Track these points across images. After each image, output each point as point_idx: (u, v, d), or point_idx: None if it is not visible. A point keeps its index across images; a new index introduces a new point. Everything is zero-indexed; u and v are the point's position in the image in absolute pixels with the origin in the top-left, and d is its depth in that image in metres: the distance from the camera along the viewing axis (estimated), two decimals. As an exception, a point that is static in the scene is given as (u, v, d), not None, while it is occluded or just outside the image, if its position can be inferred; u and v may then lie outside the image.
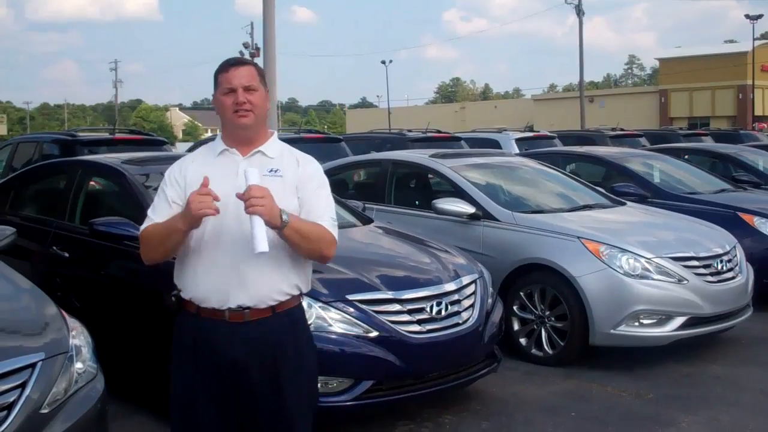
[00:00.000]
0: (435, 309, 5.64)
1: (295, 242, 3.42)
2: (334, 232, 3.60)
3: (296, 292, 3.58)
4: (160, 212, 3.54)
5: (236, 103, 3.48)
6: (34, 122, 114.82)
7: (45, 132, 22.39)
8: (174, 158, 8.24)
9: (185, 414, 3.57)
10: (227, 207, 3.35)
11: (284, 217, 3.33)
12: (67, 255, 6.64)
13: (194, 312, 3.51)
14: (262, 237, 3.26)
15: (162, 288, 5.83)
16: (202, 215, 3.26)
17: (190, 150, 18.45)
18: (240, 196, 3.27)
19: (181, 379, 3.57)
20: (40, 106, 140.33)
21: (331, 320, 5.24)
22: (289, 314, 3.55)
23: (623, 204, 8.97)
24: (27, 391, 3.52)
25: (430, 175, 9.36)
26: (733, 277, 7.63)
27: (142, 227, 3.60)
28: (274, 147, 3.62)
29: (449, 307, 5.73)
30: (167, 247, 3.47)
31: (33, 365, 3.61)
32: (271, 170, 3.52)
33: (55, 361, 3.73)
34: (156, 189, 6.32)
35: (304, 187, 3.56)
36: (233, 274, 3.43)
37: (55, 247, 6.73)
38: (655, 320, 7.07)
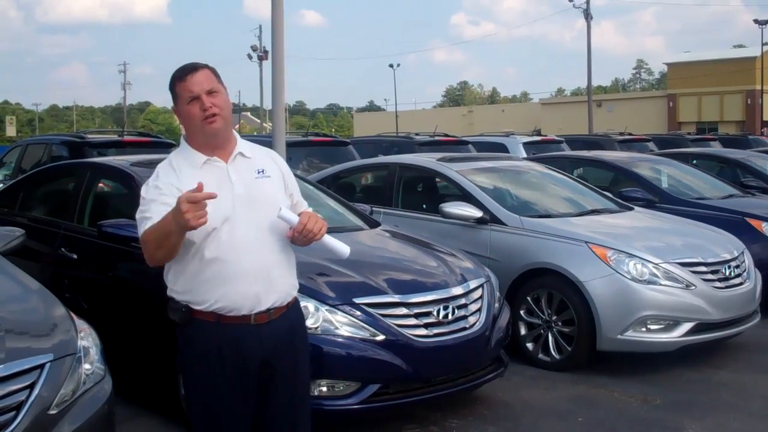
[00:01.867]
0: (442, 313, 5.64)
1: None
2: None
3: (298, 284, 3.79)
4: (155, 213, 3.41)
5: (203, 109, 3.45)
6: (43, 124, 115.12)
7: (54, 134, 22.45)
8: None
9: (211, 423, 3.60)
10: (235, 215, 3.46)
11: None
12: (75, 257, 6.66)
13: (213, 321, 3.51)
14: (340, 243, 3.59)
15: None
16: (198, 226, 3.17)
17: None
18: (295, 235, 3.48)
19: (207, 392, 3.58)
20: (49, 108, 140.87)
21: (338, 323, 5.25)
22: (296, 307, 3.76)
23: (631, 209, 8.97)
24: (35, 392, 3.53)
25: (437, 179, 9.36)
26: (740, 283, 7.61)
27: (141, 231, 3.51)
28: (246, 146, 3.67)
29: (456, 311, 5.72)
30: (168, 248, 3.39)
31: (41, 366, 3.62)
32: (259, 171, 3.61)
33: (63, 362, 3.74)
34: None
35: (290, 183, 3.75)
36: (263, 279, 3.51)
37: (63, 249, 6.75)
38: (662, 326, 7.06)
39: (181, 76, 3.51)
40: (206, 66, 3.60)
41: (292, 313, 3.70)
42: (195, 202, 3.13)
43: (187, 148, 3.60)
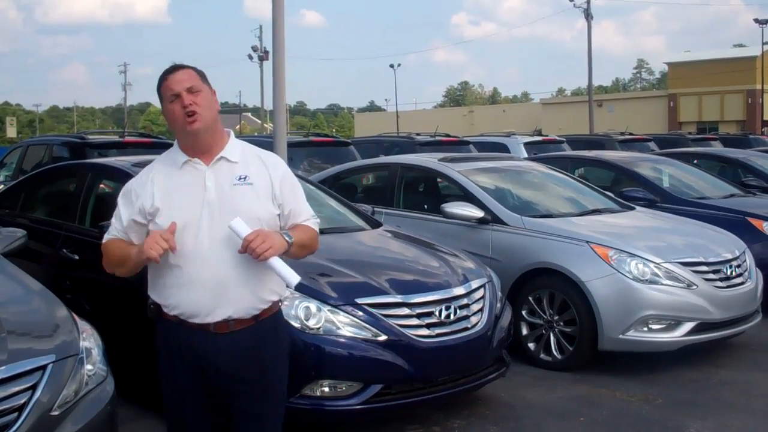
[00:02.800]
0: (444, 313, 5.64)
1: (296, 254, 3.56)
2: (317, 227, 3.72)
3: (276, 299, 3.62)
4: (117, 229, 3.62)
5: (183, 106, 3.42)
6: (44, 125, 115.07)
7: (54, 135, 22.45)
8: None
9: (177, 417, 3.67)
10: (201, 222, 3.42)
11: (288, 239, 3.44)
12: (77, 257, 6.65)
13: (176, 322, 3.54)
14: (288, 271, 3.36)
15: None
16: (151, 257, 3.31)
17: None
18: (243, 251, 3.32)
19: (171, 384, 3.65)
20: (49, 109, 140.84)
21: (340, 324, 5.25)
22: (271, 320, 3.60)
23: (632, 209, 8.97)
24: (37, 393, 3.53)
25: (438, 179, 9.36)
26: (742, 283, 7.61)
27: (105, 238, 3.65)
28: (235, 150, 3.58)
29: (458, 311, 5.72)
30: (125, 270, 3.59)
31: (44, 367, 3.62)
32: (240, 178, 3.49)
33: (65, 363, 3.74)
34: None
35: (283, 194, 3.57)
36: (217, 290, 3.43)
37: (65, 250, 6.75)
38: (664, 325, 7.06)
39: (164, 76, 3.51)
40: (190, 66, 3.58)
41: (261, 328, 3.55)
42: (164, 239, 3.29)
43: (176, 147, 3.59)
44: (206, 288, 3.42)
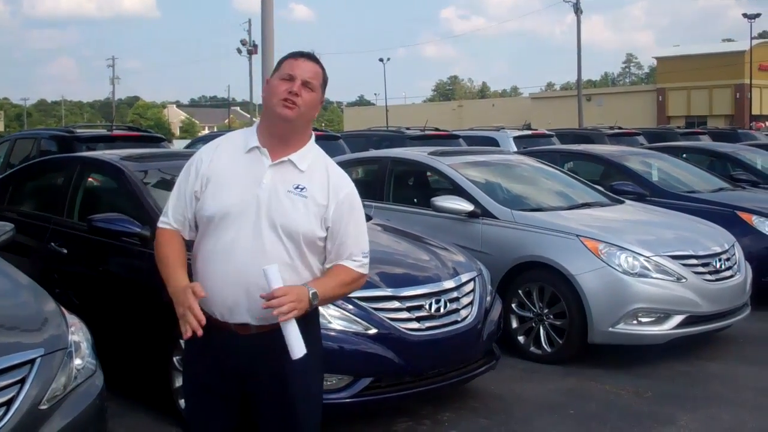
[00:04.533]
0: (434, 306, 5.64)
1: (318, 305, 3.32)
2: (364, 269, 3.43)
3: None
4: (175, 209, 3.41)
5: (289, 91, 3.24)
6: (32, 119, 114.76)
7: (42, 128, 22.36)
8: (172, 155, 8.30)
9: (195, 406, 3.54)
10: (243, 217, 3.23)
11: (313, 300, 3.20)
12: (65, 251, 6.63)
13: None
14: (297, 340, 3.10)
15: (160, 284, 5.84)
16: (180, 325, 3.18)
17: (188, 147, 18.47)
18: (267, 305, 3.08)
19: (190, 374, 3.55)
20: (37, 103, 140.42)
21: (330, 317, 5.24)
22: (301, 319, 3.23)
23: (622, 202, 8.98)
24: (26, 387, 3.51)
25: (428, 173, 9.36)
26: (731, 276, 7.63)
27: (159, 225, 3.45)
28: (307, 158, 3.35)
29: (448, 304, 5.72)
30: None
31: (32, 361, 3.60)
32: (297, 187, 3.27)
33: (54, 357, 3.72)
34: (154, 185, 6.37)
35: (336, 223, 3.33)
36: (241, 293, 3.24)
37: (53, 244, 6.72)
38: (653, 318, 7.08)
39: (295, 55, 3.35)
40: (322, 66, 3.40)
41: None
42: (192, 314, 3.14)
43: (252, 129, 3.43)
44: (231, 286, 3.24)
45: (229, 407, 3.46)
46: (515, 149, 15.25)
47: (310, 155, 3.37)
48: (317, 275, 3.34)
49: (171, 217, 3.42)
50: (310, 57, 3.36)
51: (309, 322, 3.32)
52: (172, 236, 3.42)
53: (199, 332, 3.12)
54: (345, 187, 3.39)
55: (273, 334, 3.19)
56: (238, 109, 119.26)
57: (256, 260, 3.19)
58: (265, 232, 3.21)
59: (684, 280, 7.18)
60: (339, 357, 5.20)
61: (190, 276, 3.36)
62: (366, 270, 3.44)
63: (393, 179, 9.20)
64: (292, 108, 3.23)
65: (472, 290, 6.01)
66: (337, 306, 5.26)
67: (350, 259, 3.37)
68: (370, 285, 5.50)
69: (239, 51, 64.92)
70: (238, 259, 3.23)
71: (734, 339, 7.97)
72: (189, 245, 3.47)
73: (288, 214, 3.23)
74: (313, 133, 3.46)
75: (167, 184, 6.46)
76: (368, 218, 7.09)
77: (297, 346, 3.09)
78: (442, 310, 5.67)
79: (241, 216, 3.23)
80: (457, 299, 5.81)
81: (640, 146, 16.51)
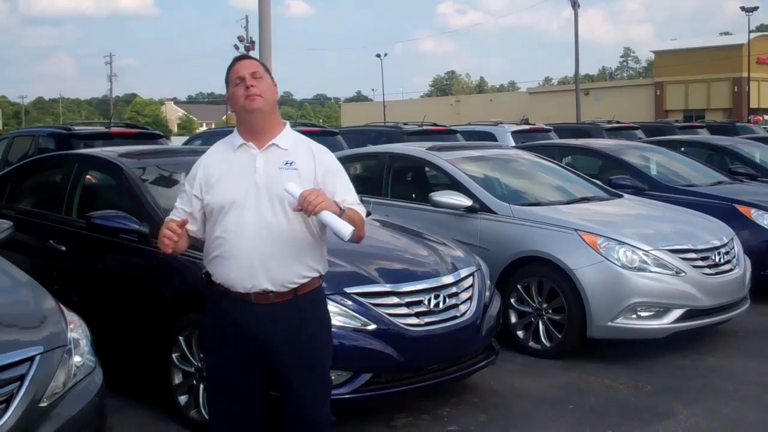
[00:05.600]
0: (433, 302, 5.63)
1: (358, 220, 3.78)
2: (363, 213, 3.93)
3: (315, 275, 3.87)
4: (183, 203, 3.91)
5: (246, 87, 3.73)
6: (29, 116, 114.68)
7: (40, 126, 22.33)
8: (170, 152, 8.29)
9: (219, 381, 3.92)
10: (247, 201, 3.71)
11: (342, 206, 3.69)
12: (64, 248, 6.62)
13: (223, 291, 3.80)
14: (342, 223, 3.57)
15: (159, 281, 5.84)
16: (164, 250, 3.68)
17: (186, 143, 18.47)
18: (298, 208, 3.57)
19: (215, 350, 3.93)
20: (35, 101, 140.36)
21: (329, 313, 5.22)
22: (310, 295, 3.85)
23: (620, 196, 8.98)
24: (26, 385, 3.52)
25: (426, 168, 9.35)
26: (730, 270, 7.63)
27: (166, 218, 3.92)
28: (288, 138, 3.87)
29: (447, 300, 5.72)
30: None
31: (31, 359, 3.61)
32: (286, 163, 3.77)
33: (53, 354, 3.73)
34: (152, 182, 6.39)
35: (325, 180, 3.81)
36: (257, 264, 3.70)
37: (52, 241, 6.72)
38: (652, 312, 7.08)
39: (233, 62, 3.87)
40: (255, 58, 4.01)
41: (300, 303, 3.80)
42: (172, 233, 3.65)
43: (235, 133, 3.90)
44: (248, 260, 3.70)
45: (252, 377, 3.85)
46: (513, 144, 15.23)
47: (290, 136, 3.89)
48: (318, 241, 3.84)
49: (179, 210, 3.92)
50: (245, 57, 4.01)
51: (316, 300, 3.89)
52: (170, 221, 3.84)
53: (175, 235, 3.65)
54: (326, 154, 3.94)
55: (288, 304, 3.75)
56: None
57: (263, 234, 3.70)
58: (268, 209, 3.70)
59: (683, 274, 7.18)
60: (338, 353, 5.13)
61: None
62: (364, 213, 3.96)
63: (391, 175, 9.19)
64: (255, 99, 3.75)
65: (471, 285, 6.00)
66: (336, 302, 5.25)
67: (350, 206, 3.81)
68: (368, 280, 5.51)
69: (236, 47, 64.80)
70: (247, 236, 3.70)
71: (734, 333, 7.97)
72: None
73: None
74: (287, 122, 3.98)
75: (165, 181, 6.47)
76: (367, 214, 7.09)
77: (343, 228, 3.55)
78: (441, 305, 5.67)
79: (244, 200, 3.71)
80: (456, 294, 5.81)
81: (638, 140, 16.50)
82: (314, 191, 3.57)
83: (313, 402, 3.89)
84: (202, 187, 3.83)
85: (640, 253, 7.14)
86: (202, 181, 3.84)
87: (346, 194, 3.86)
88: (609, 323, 6.98)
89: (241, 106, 3.77)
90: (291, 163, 3.77)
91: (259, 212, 3.71)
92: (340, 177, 3.89)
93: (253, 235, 3.70)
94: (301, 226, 3.74)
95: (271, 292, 3.74)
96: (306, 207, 3.52)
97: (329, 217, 3.56)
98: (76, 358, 3.89)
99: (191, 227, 3.86)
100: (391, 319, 5.39)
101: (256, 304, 3.75)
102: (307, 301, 3.83)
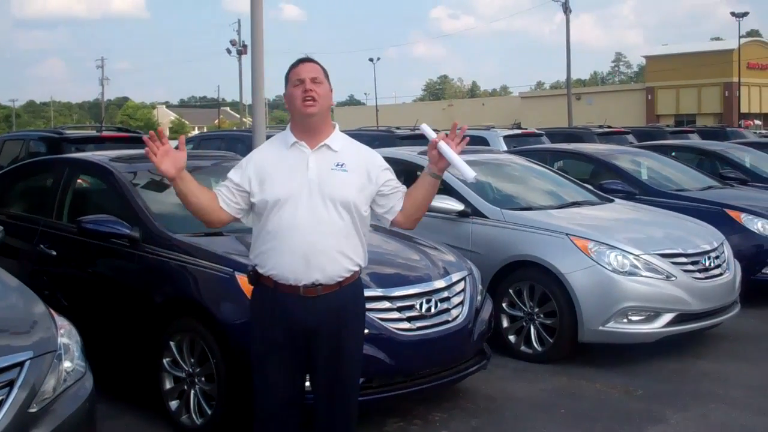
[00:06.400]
0: (425, 306, 5.63)
1: (431, 195, 4.20)
2: None
3: (357, 269, 4.06)
4: (222, 191, 4.02)
5: (304, 90, 3.88)
6: (20, 120, 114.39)
7: (31, 129, 22.28)
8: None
9: (263, 370, 4.06)
10: (300, 197, 3.87)
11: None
12: (54, 253, 6.60)
13: (272, 286, 3.95)
14: (466, 166, 3.99)
15: (150, 286, 5.83)
16: (160, 170, 3.83)
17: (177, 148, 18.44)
18: (434, 146, 3.97)
19: (260, 341, 4.05)
20: (26, 104, 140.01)
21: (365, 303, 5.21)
22: (352, 286, 4.05)
23: (611, 201, 8.99)
24: (15, 390, 3.50)
25: (418, 172, 9.30)
26: (720, 274, 7.65)
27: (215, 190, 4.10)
28: (338, 140, 4.03)
29: (439, 304, 5.72)
30: (187, 205, 4.00)
31: (21, 364, 3.59)
32: (337, 164, 3.95)
33: (43, 359, 3.71)
34: (143, 187, 6.38)
35: (382, 179, 4.05)
36: (308, 257, 3.86)
37: (42, 245, 6.69)
38: (643, 317, 7.09)
39: (296, 63, 4.01)
40: (318, 62, 4.05)
41: (344, 293, 3.98)
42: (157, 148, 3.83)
43: (288, 131, 4.04)
44: (299, 255, 3.86)
45: (296, 362, 4.00)
46: (505, 148, 15.24)
47: (340, 138, 4.06)
48: (362, 239, 4.03)
49: (222, 188, 4.04)
50: (308, 60, 4.04)
51: (357, 290, 4.11)
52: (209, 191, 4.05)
53: (158, 142, 3.84)
54: (376, 155, 4.17)
55: (333, 295, 3.94)
56: (227, 109, 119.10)
57: (315, 230, 3.86)
58: (321, 206, 3.87)
59: (673, 279, 7.20)
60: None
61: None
62: None
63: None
64: (313, 104, 3.89)
65: (463, 290, 6.00)
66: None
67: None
68: (360, 285, 5.50)
69: (229, 51, 64.79)
70: (300, 232, 3.85)
71: (724, 337, 7.99)
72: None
73: (338, 187, 3.90)
74: (336, 124, 4.12)
75: (157, 186, 6.45)
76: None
77: (467, 171, 4.01)
78: (432, 309, 5.66)
79: (296, 197, 3.87)
80: (447, 299, 5.81)
81: (629, 145, 16.55)
82: (449, 138, 3.95)
83: (343, 387, 4.07)
84: (251, 181, 3.96)
85: (630, 257, 7.15)
86: (252, 175, 3.96)
87: (396, 186, 4.13)
88: (600, 327, 6.99)
89: (298, 109, 3.91)
90: (342, 165, 3.95)
91: (312, 209, 3.86)
92: (394, 176, 4.14)
93: (307, 231, 3.85)
94: (349, 223, 3.92)
95: (320, 285, 3.91)
96: (452, 141, 3.96)
97: (457, 159, 3.94)
98: (67, 364, 3.88)
99: (226, 206, 4.00)
100: (383, 323, 5.39)
101: (304, 297, 3.91)
102: (349, 291, 4.02)
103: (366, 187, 3.99)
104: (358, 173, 3.98)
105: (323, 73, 3.99)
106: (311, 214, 3.86)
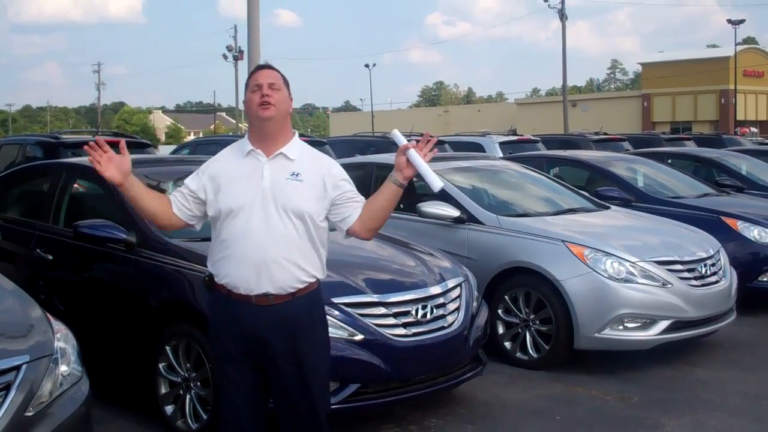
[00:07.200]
0: (420, 312, 5.64)
1: (391, 205, 4.15)
2: None
3: (312, 280, 3.99)
4: (177, 197, 4.04)
5: (261, 95, 3.87)
6: (17, 125, 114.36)
7: (28, 134, 22.26)
8: (158, 161, 8.28)
9: (223, 377, 4.04)
10: (254, 206, 3.85)
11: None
12: (50, 257, 6.60)
13: (225, 293, 3.93)
14: (434, 175, 3.97)
15: (146, 291, 5.83)
16: (99, 170, 3.83)
17: (174, 152, 18.45)
18: (413, 146, 3.96)
19: (218, 348, 4.04)
20: (22, 109, 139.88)
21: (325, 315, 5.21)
22: (306, 297, 3.97)
23: (607, 208, 9.00)
24: (11, 394, 3.50)
25: (414, 178, 9.31)
26: (716, 281, 7.66)
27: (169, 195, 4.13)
28: (295, 148, 3.99)
29: (434, 310, 5.72)
30: (136, 208, 4.08)
31: (18, 368, 3.59)
32: (293, 174, 3.91)
33: (39, 363, 3.71)
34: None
35: (334, 188, 3.98)
36: (260, 267, 3.84)
37: (38, 250, 6.69)
38: (639, 324, 7.09)
39: (255, 70, 4.06)
40: (278, 71, 4.06)
41: (298, 303, 3.93)
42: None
43: (245, 139, 4.05)
44: (251, 264, 3.84)
45: (254, 374, 3.97)
46: (501, 155, 15.27)
47: (297, 146, 4.01)
48: (319, 250, 3.98)
49: (176, 194, 4.06)
50: (267, 66, 4.09)
51: (313, 301, 4.02)
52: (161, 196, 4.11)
53: (99, 150, 3.84)
54: (334, 165, 4.09)
55: (286, 305, 3.90)
56: (223, 114, 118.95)
57: (268, 239, 3.83)
58: (275, 216, 3.84)
59: (669, 286, 7.21)
60: (326, 363, 5.19)
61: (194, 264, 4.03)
62: None
63: (379, 185, 9.13)
64: (269, 108, 3.88)
65: (459, 296, 6.01)
66: (324, 312, 5.25)
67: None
68: (356, 291, 5.51)
69: (225, 57, 64.88)
70: (254, 241, 3.83)
71: (720, 344, 8.00)
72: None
73: (292, 197, 3.87)
74: (295, 132, 4.09)
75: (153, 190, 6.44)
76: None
77: (435, 181, 3.99)
78: (428, 315, 5.67)
79: (250, 207, 3.85)
80: (443, 305, 5.81)
81: (625, 152, 16.57)
82: (418, 147, 3.94)
83: (304, 398, 4.00)
84: (207, 189, 3.97)
85: (627, 264, 7.16)
86: (207, 183, 3.97)
87: (356, 196, 4.09)
88: (596, 334, 7.00)
89: (254, 113, 3.92)
90: (297, 174, 3.91)
91: (265, 218, 3.84)
92: (351, 186, 4.08)
93: (259, 240, 3.83)
94: (303, 233, 3.89)
95: (271, 294, 3.87)
96: (422, 149, 3.95)
97: (426, 167, 3.94)
98: (63, 368, 3.88)
99: (178, 211, 4.02)
100: (379, 329, 5.39)
101: (257, 305, 3.88)
102: (303, 301, 3.95)
103: (322, 197, 3.95)
104: (314, 183, 3.94)
105: (282, 80, 4.00)
106: (265, 223, 3.84)
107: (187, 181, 4.05)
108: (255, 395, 4.02)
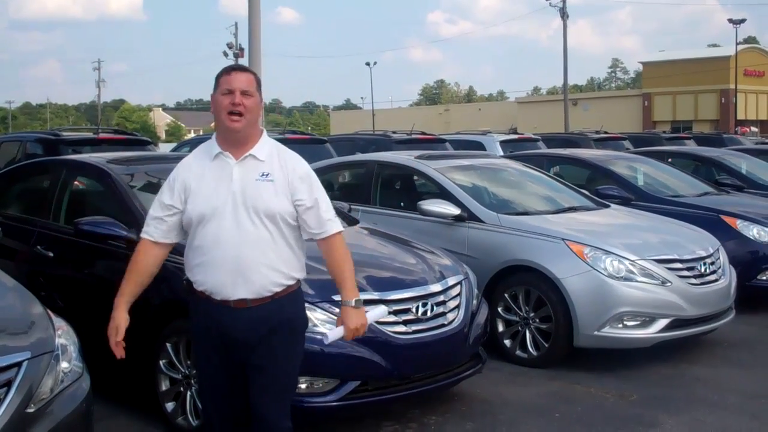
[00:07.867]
0: (420, 310, 5.65)
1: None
2: (341, 228, 4.08)
3: (290, 283, 3.97)
4: (155, 212, 3.98)
5: (232, 103, 3.79)
6: (17, 122, 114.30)
7: (28, 131, 22.25)
8: (158, 158, 8.28)
9: (204, 378, 4.11)
10: (225, 211, 3.80)
11: (357, 305, 4.06)
12: (51, 255, 6.61)
13: (204, 298, 3.92)
14: (335, 336, 4.13)
15: (146, 288, 5.83)
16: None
17: (174, 150, 18.43)
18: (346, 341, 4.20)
19: (199, 349, 4.10)
20: (22, 106, 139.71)
21: (317, 321, 5.23)
22: (286, 299, 3.96)
23: (607, 206, 9.01)
24: (13, 390, 3.52)
25: (415, 177, 9.37)
26: (716, 280, 7.67)
27: (141, 235, 4.08)
28: (264, 149, 3.94)
29: (435, 308, 5.73)
30: None
31: (19, 364, 3.61)
32: (262, 174, 3.86)
33: (41, 360, 3.73)
34: (140, 189, 6.38)
35: (300, 191, 3.90)
36: (236, 274, 3.82)
37: (39, 247, 6.70)
38: (638, 322, 7.11)
39: (228, 70, 3.94)
40: (252, 72, 4.01)
41: (277, 305, 3.91)
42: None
43: (212, 140, 3.98)
44: (226, 271, 3.82)
45: (237, 376, 3.98)
46: (501, 153, 15.27)
47: (266, 146, 3.96)
48: (295, 250, 3.95)
49: (151, 227, 4.02)
50: (240, 68, 4.01)
51: (293, 300, 4.02)
52: (148, 249, 4.05)
53: (118, 350, 3.99)
54: (300, 163, 3.99)
55: (265, 307, 3.87)
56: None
57: (242, 243, 3.80)
58: (246, 219, 3.80)
59: (669, 284, 7.22)
60: (325, 360, 5.20)
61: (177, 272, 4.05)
62: (340, 226, 4.09)
63: (380, 183, 9.21)
64: (239, 121, 3.82)
65: (459, 294, 6.02)
66: (324, 309, 5.26)
67: (328, 222, 3.97)
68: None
69: (225, 54, 64.75)
70: (227, 247, 3.80)
71: (719, 343, 8.01)
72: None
73: (262, 199, 3.82)
74: (263, 129, 4.07)
75: (154, 187, 6.45)
76: (355, 222, 7.12)
77: (331, 336, 4.15)
78: (428, 313, 5.68)
79: (221, 212, 3.81)
80: (443, 303, 5.83)
81: (625, 151, 16.57)
82: (352, 331, 4.03)
83: (273, 405, 3.99)
84: (181, 198, 3.92)
85: (626, 262, 7.17)
86: (180, 191, 3.92)
87: (324, 210, 3.97)
88: (595, 332, 7.01)
89: (222, 122, 3.86)
90: (267, 175, 3.87)
91: (236, 222, 3.80)
92: (318, 190, 3.97)
93: (232, 245, 3.80)
94: (277, 235, 3.86)
95: (249, 299, 3.86)
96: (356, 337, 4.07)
97: (339, 333, 4.08)
98: (64, 364, 3.89)
99: (171, 238, 4.02)
100: (379, 327, 5.40)
101: (236, 309, 3.86)
102: (282, 301, 3.94)
103: (293, 195, 3.91)
104: (283, 182, 3.89)
105: (255, 84, 3.91)
106: (237, 227, 3.80)
107: (159, 198, 4.00)
108: (236, 401, 4.04)
